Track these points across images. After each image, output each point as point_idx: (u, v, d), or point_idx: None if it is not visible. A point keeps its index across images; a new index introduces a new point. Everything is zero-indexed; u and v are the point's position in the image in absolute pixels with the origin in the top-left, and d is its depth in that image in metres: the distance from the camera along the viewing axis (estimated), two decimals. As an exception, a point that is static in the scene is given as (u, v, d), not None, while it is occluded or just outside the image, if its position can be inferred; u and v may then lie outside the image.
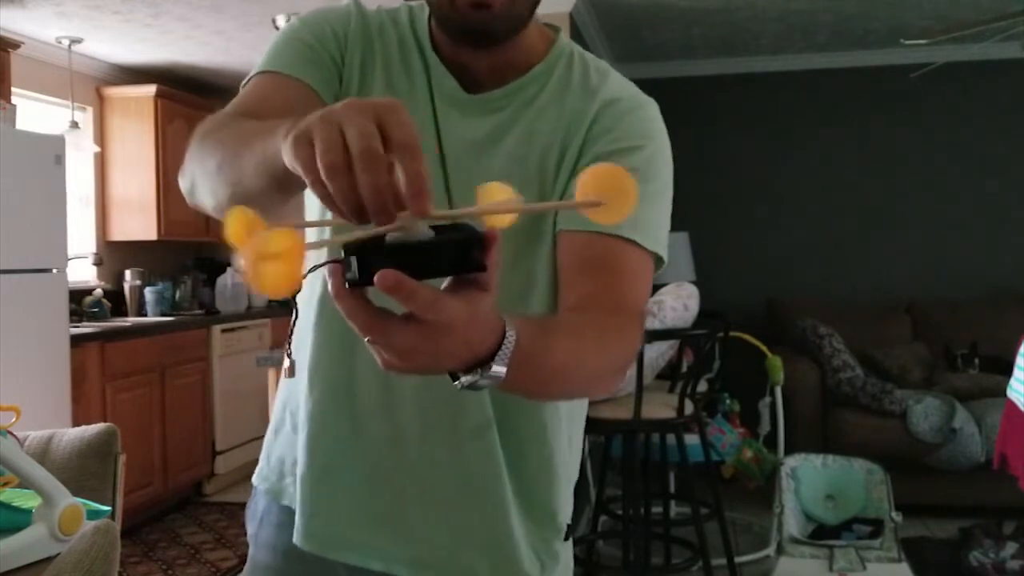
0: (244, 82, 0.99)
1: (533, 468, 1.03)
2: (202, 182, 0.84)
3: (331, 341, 1.00)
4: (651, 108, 1.02)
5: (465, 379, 0.66)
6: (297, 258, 0.55)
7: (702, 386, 3.29)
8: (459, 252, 0.59)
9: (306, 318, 1.04)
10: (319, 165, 0.57)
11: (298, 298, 1.07)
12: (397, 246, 0.58)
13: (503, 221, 0.63)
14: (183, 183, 0.90)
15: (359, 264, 0.58)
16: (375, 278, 0.55)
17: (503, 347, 0.66)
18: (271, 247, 0.55)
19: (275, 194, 0.75)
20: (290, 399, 1.08)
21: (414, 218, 0.57)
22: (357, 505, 1.01)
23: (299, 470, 1.03)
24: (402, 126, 0.57)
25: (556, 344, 0.77)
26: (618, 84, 1.02)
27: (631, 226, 0.92)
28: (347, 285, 0.59)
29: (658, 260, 0.96)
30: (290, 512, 1.06)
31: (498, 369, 0.66)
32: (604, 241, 0.92)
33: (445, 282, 0.62)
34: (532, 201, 0.96)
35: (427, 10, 1.02)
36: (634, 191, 0.62)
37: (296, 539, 1.03)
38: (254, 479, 1.14)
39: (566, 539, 1.10)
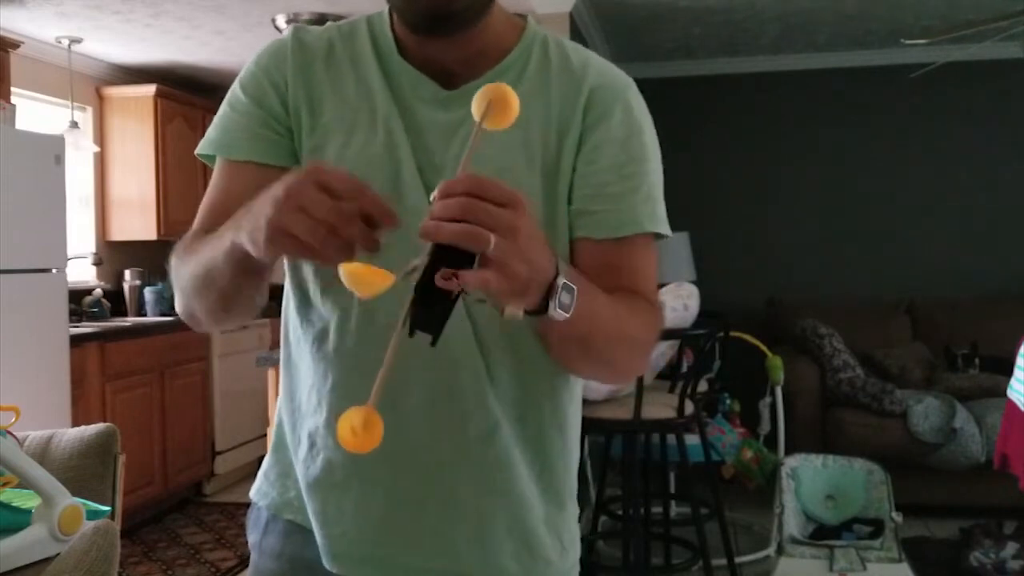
0: (198, 152, 1.05)
1: (553, 456, 1.04)
2: (195, 305, 0.98)
3: (331, 367, 1.00)
4: (635, 89, 1.04)
5: (552, 304, 0.78)
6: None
7: (702, 386, 3.29)
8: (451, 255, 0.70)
9: (300, 347, 1.04)
10: (311, 241, 0.71)
11: (288, 329, 1.07)
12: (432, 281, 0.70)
13: (503, 123, 0.77)
14: (179, 308, 1.02)
15: (426, 305, 0.72)
16: (442, 283, 0.69)
17: (559, 265, 0.78)
18: None
19: (247, 280, 0.90)
20: (290, 423, 1.07)
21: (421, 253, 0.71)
22: (379, 523, 1.01)
23: (318, 494, 1.02)
24: (339, 179, 0.72)
25: (598, 291, 0.87)
26: (601, 67, 1.03)
27: (650, 219, 0.99)
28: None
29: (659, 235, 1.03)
30: (295, 524, 1.06)
31: (566, 282, 0.78)
32: (623, 245, 0.97)
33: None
34: (540, 184, 0.98)
35: (387, 18, 1.01)
36: (511, 93, 0.77)
37: (325, 562, 1.02)
38: (253, 496, 1.13)
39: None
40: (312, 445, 1.02)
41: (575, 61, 1.01)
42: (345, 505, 1.01)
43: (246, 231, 0.78)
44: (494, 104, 0.77)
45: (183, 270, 0.96)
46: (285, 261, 1.06)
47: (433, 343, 0.73)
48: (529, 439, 1.01)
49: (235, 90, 1.02)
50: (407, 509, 1.00)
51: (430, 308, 0.71)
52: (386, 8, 1.01)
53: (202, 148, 1.02)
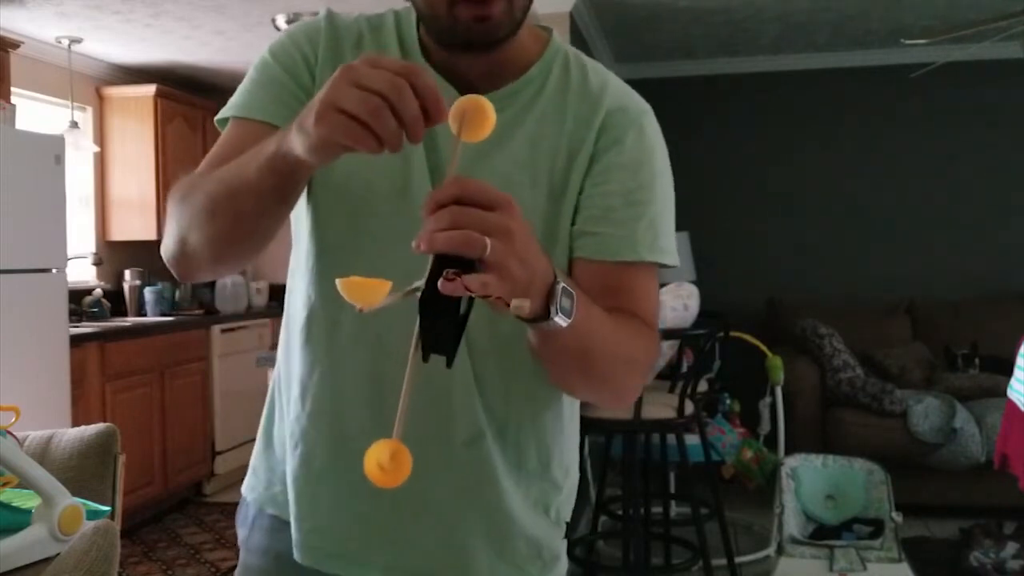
0: (219, 117, 1.00)
1: (536, 470, 1.04)
2: (198, 234, 0.89)
3: (319, 361, 1.00)
4: (652, 116, 1.03)
5: (553, 308, 0.77)
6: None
7: (702, 386, 3.29)
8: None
9: (293, 338, 1.04)
10: (362, 114, 0.68)
11: (288, 319, 1.07)
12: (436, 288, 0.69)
13: (479, 135, 0.75)
14: (170, 246, 0.94)
15: (431, 313, 0.70)
16: (445, 287, 0.67)
17: (556, 273, 0.78)
18: None
19: (274, 201, 0.84)
20: (279, 414, 1.08)
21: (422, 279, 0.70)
22: (354, 520, 1.01)
23: (293, 487, 1.03)
24: (392, 62, 0.71)
25: (594, 305, 0.86)
26: (620, 90, 1.02)
27: (649, 249, 0.97)
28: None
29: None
30: (280, 519, 1.06)
31: (565, 286, 0.78)
32: (622, 269, 0.96)
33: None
34: (544, 203, 0.97)
35: (414, 16, 1.00)
36: (487, 104, 0.74)
37: (296, 555, 1.03)
38: (243, 490, 1.14)
39: (565, 537, 1.11)
40: (292, 436, 1.03)
41: (594, 82, 1.01)
42: (320, 499, 1.01)
43: (296, 124, 0.75)
44: (469, 116, 0.74)
45: (194, 195, 0.90)
46: (292, 257, 1.05)
47: (449, 364, 0.71)
48: (509, 451, 1.01)
49: (264, 58, 1.00)
50: (382, 507, 1.00)
51: (438, 322, 0.69)
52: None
53: (224, 112, 1.00)
